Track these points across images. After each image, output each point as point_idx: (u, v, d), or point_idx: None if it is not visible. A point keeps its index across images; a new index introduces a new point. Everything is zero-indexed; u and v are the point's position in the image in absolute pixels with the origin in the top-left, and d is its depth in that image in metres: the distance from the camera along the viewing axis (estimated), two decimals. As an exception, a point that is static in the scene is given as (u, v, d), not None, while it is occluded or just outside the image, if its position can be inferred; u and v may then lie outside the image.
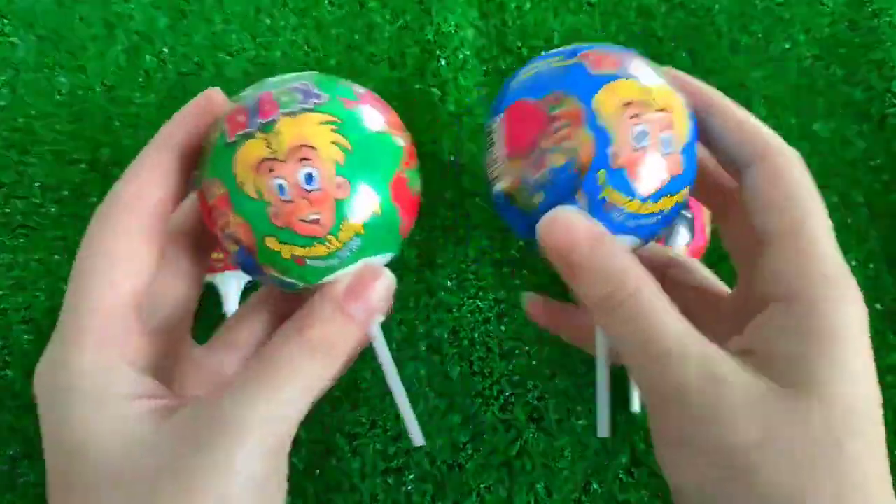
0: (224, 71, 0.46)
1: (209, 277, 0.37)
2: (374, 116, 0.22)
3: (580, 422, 0.38)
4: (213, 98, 0.22)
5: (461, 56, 0.47)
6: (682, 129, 0.21)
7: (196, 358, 0.24)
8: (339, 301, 0.20)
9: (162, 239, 0.21)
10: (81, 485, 0.18)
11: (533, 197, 0.22)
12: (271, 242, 0.20)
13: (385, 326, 0.39)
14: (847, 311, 0.19)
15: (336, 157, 0.20)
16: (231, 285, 0.37)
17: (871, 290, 0.40)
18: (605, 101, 0.21)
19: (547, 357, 0.39)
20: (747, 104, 0.46)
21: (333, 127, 0.21)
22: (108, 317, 0.19)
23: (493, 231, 0.42)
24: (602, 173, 0.21)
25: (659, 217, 0.22)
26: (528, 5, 0.49)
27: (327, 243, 0.21)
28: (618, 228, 0.21)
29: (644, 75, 0.22)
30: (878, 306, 0.40)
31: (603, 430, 0.22)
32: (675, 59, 0.48)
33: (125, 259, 0.20)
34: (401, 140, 0.23)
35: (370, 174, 0.21)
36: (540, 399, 0.38)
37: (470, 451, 0.37)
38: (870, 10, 0.49)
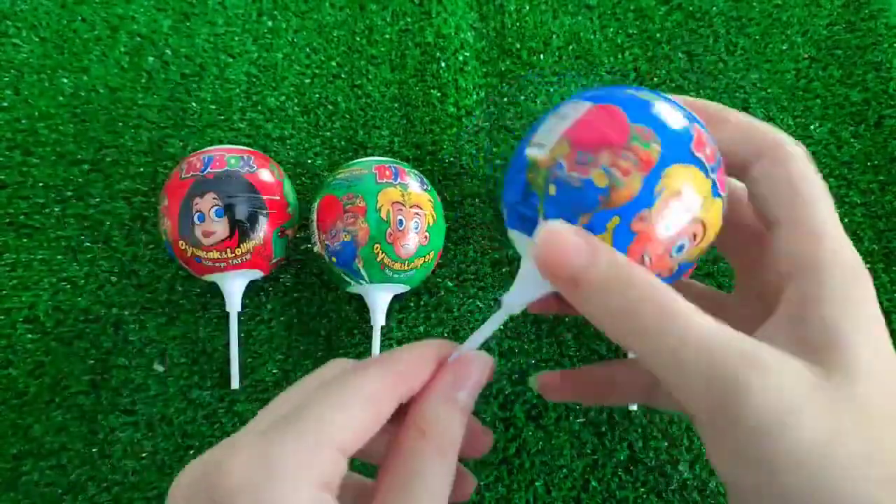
0: (226, 73, 0.47)
1: (212, 277, 0.37)
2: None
3: (579, 420, 0.38)
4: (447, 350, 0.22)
5: (461, 58, 0.48)
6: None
7: None
8: (447, 395, 0.21)
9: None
10: None
11: (548, 186, 0.21)
12: (377, 248, 0.34)
13: (385, 327, 0.39)
14: (860, 287, 0.19)
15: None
16: (233, 285, 0.38)
17: (868, 290, 0.40)
18: (676, 174, 0.20)
19: (546, 356, 0.40)
20: (745, 105, 0.46)
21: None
22: (333, 454, 0.19)
23: (493, 231, 0.43)
24: (616, 220, 0.20)
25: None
26: (527, 7, 0.49)
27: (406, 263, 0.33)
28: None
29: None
30: (874, 306, 0.40)
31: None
32: (672, 61, 0.48)
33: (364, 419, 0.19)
34: None
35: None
36: (539, 397, 0.38)
37: (470, 450, 0.37)
38: (867, 12, 0.49)
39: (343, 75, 0.47)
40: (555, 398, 0.28)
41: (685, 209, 0.20)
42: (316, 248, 0.38)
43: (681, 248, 0.20)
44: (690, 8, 0.49)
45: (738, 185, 0.24)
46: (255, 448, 0.17)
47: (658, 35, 0.49)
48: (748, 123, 0.22)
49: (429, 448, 0.20)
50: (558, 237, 0.19)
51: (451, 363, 0.22)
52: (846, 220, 0.43)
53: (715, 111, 0.23)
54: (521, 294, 0.22)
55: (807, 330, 0.18)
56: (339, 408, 0.18)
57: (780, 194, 0.21)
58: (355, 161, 0.39)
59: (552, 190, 0.21)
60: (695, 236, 0.20)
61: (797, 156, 0.21)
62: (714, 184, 0.20)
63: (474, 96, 0.47)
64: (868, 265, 0.42)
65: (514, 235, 0.22)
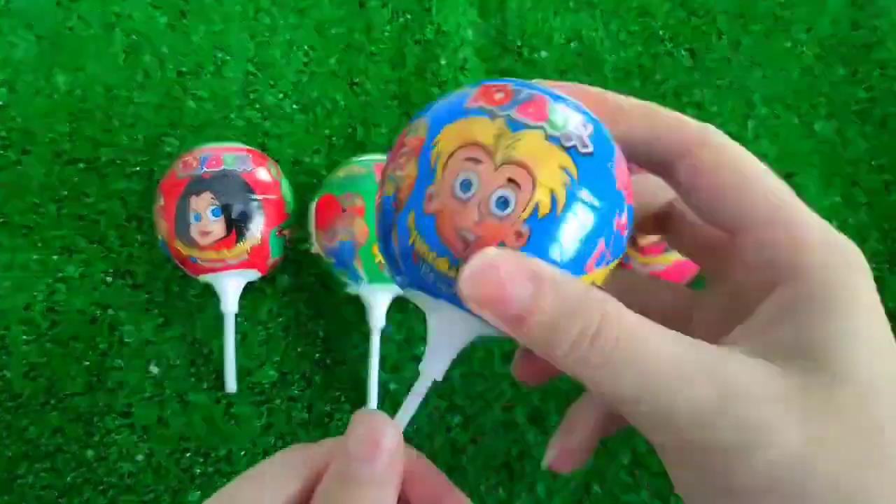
0: (223, 70, 0.46)
1: (208, 277, 0.37)
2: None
3: (581, 423, 0.38)
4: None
5: (461, 55, 0.47)
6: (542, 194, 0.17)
7: None
8: (352, 472, 0.17)
9: None
10: None
11: (376, 227, 0.19)
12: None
13: (386, 328, 0.39)
14: (853, 276, 0.17)
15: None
16: (230, 285, 0.37)
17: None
18: (446, 134, 0.17)
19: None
20: (748, 104, 0.46)
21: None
22: None
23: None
24: (412, 215, 0.17)
25: None
26: (528, 4, 0.49)
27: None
28: (429, 289, 0.18)
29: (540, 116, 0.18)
30: (880, 307, 0.39)
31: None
32: (675, 59, 0.47)
33: None
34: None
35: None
36: (541, 400, 0.38)
37: (471, 453, 0.37)
38: (872, 10, 0.48)
39: (342, 73, 0.47)
40: (571, 466, 0.24)
41: (470, 158, 0.17)
42: (314, 249, 0.37)
43: (504, 203, 0.17)
44: (694, 5, 0.49)
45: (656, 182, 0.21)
46: None
47: (661, 32, 0.48)
48: (656, 114, 0.20)
49: None
50: (488, 270, 0.16)
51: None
52: (851, 220, 0.42)
53: (597, 97, 0.20)
54: (438, 356, 0.19)
55: (788, 334, 0.17)
56: None
57: (735, 196, 0.18)
58: (354, 160, 0.38)
59: (376, 222, 0.19)
60: (513, 181, 0.17)
61: (732, 145, 0.19)
62: (509, 120, 0.17)
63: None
64: (873, 266, 0.41)
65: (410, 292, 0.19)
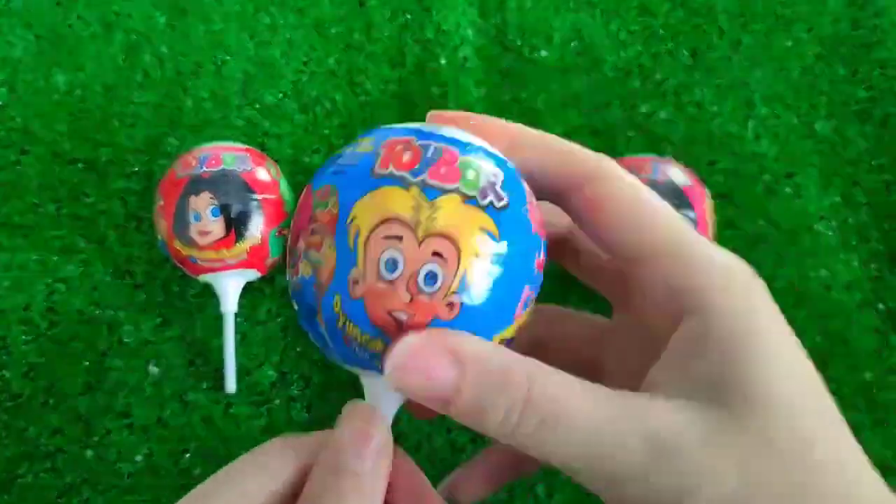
0: (223, 70, 0.46)
1: (207, 277, 0.37)
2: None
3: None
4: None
5: (461, 55, 0.47)
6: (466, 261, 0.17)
7: None
8: (341, 464, 0.17)
9: None
10: None
11: (293, 302, 0.19)
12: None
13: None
14: (754, 299, 0.17)
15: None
16: (229, 285, 0.37)
17: (874, 291, 0.40)
18: (361, 209, 0.17)
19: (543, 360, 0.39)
20: (748, 103, 0.46)
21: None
22: None
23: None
24: (338, 298, 0.17)
25: None
26: (528, 3, 0.49)
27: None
28: (364, 365, 0.18)
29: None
30: (880, 306, 0.39)
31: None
32: (676, 58, 0.47)
33: None
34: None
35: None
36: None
37: (470, 453, 0.37)
38: (872, 9, 0.48)
39: (341, 72, 0.47)
40: (472, 498, 0.25)
41: (391, 235, 0.16)
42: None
43: (433, 278, 0.16)
44: (694, 4, 0.49)
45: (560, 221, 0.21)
46: None
47: (661, 31, 0.48)
48: (551, 145, 0.20)
49: None
50: (410, 359, 0.16)
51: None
52: (851, 221, 0.42)
53: (499, 129, 0.20)
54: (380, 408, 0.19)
55: (701, 369, 0.17)
56: None
57: (632, 227, 0.19)
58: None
59: (294, 305, 0.19)
60: (438, 254, 0.16)
61: (628, 177, 0.19)
62: (423, 186, 0.17)
63: (475, 94, 0.46)
64: (873, 266, 0.41)
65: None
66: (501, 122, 0.20)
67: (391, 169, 0.17)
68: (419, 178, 0.17)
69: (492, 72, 0.47)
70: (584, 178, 0.19)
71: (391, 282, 0.16)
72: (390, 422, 0.19)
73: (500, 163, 0.18)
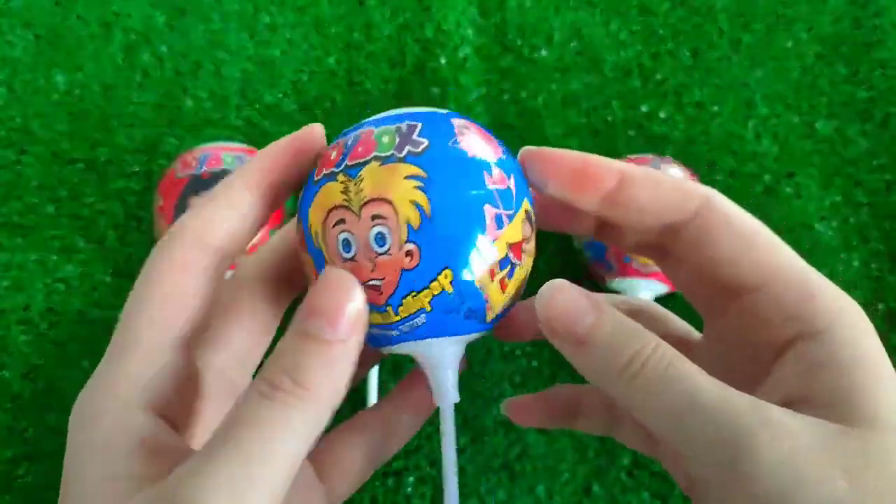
0: (222, 70, 0.46)
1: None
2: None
3: (581, 423, 0.38)
4: (311, 133, 0.20)
5: (461, 54, 0.47)
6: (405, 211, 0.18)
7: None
8: (311, 329, 0.17)
9: (223, 273, 0.20)
10: None
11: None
12: None
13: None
14: (869, 339, 0.18)
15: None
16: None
17: (874, 291, 0.40)
18: (312, 217, 0.19)
19: (547, 358, 0.39)
20: (749, 103, 0.46)
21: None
22: (148, 355, 0.18)
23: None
24: None
25: (421, 316, 0.18)
26: (528, 3, 0.49)
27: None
28: (383, 342, 0.19)
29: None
30: (880, 306, 0.39)
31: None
32: (676, 57, 0.47)
33: (180, 294, 0.18)
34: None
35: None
36: (540, 400, 0.38)
37: (470, 454, 0.37)
38: (873, 8, 0.48)
39: (341, 72, 0.47)
40: (524, 422, 0.26)
41: (336, 222, 0.18)
42: None
43: (382, 238, 0.18)
44: (694, 4, 0.49)
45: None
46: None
47: (661, 31, 0.48)
48: (657, 179, 0.20)
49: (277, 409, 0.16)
50: (563, 295, 0.18)
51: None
52: (852, 220, 0.42)
53: (604, 170, 0.20)
54: (443, 380, 0.20)
55: (818, 388, 0.18)
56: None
57: (750, 251, 0.19)
58: None
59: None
60: (378, 216, 0.18)
61: (734, 204, 0.20)
62: (346, 170, 0.18)
63: (475, 93, 0.46)
64: (874, 266, 0.41)
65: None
66: (606, 160, 0.20)
67: (323, 171, 0.19)
68: (342, 167, 0.18)
69: (492, 71, 0.47)
70: (697, 208, 0.20)
71: (353, 258, 0.18)
72: (456, 375, 0.20)
73: (413, 118, 0.19)
